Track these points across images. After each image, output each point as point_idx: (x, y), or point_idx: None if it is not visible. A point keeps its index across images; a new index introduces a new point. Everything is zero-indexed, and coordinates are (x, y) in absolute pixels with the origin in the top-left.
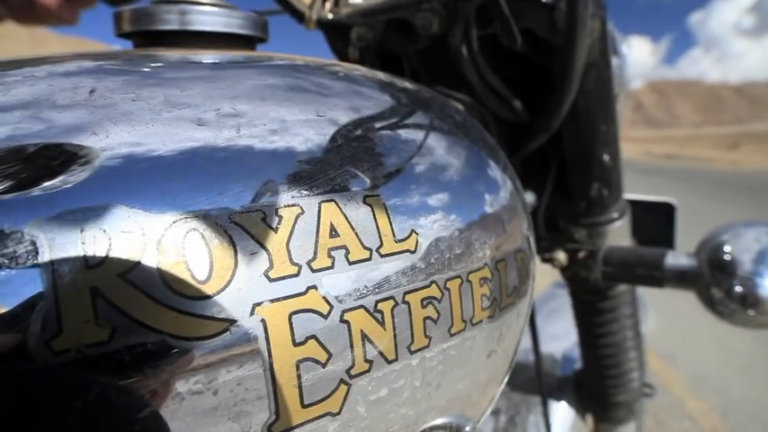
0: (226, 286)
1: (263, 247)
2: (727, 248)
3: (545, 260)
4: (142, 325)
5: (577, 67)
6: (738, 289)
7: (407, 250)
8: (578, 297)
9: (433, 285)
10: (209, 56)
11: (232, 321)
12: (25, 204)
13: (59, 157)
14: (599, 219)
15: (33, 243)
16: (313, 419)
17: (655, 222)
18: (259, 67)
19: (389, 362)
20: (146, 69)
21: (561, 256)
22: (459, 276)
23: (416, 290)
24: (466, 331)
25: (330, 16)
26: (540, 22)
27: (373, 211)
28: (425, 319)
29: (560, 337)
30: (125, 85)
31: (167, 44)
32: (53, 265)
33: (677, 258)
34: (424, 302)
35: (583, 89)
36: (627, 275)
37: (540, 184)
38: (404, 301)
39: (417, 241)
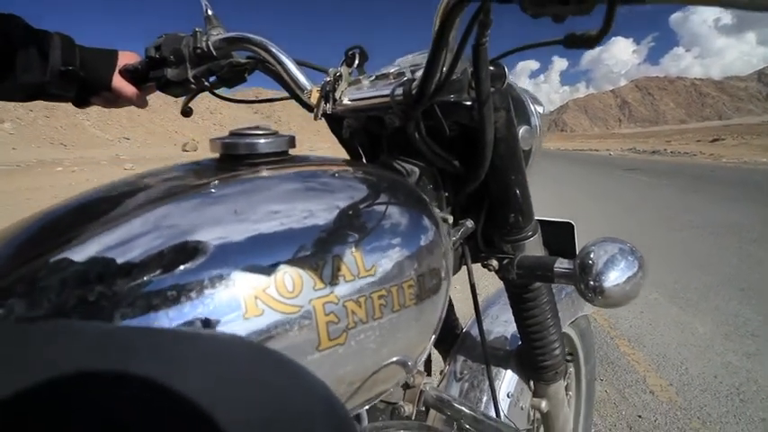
0: (299, 293)
1: (309, 275)
2: (590, 256)
3: (484, 266)
4: (270, 307)
5: (488, 142)
6: (592, 283)
7: (371, 274)
8: (510, 291)
9: (383, 289)
10: (267, 172)
11: (301, 306)
12: (219, 263)
13: (234, 243)
14: (517, 237)
15: (234, 278)
16: (333, 346)
17: (561, 236)
18: (291, 178)
19: (364, 323)
20: (244, 187)
21: (494, 263)
22: (396, 285)
23: (375, 292)
24: (401, 310)
25: (330, 111)
26: (463, 117)
27: (355, 257)
28: (380, 305)
29: (510, 322)
30: (247, 202)
31: (241, 159)
32: (240, 287)
33: (562, 264)
34: (379, 297)
35: (497, 153)
36: (530, 276)
37: (478, 214)
38: (369, 297)
39: (376, 270)
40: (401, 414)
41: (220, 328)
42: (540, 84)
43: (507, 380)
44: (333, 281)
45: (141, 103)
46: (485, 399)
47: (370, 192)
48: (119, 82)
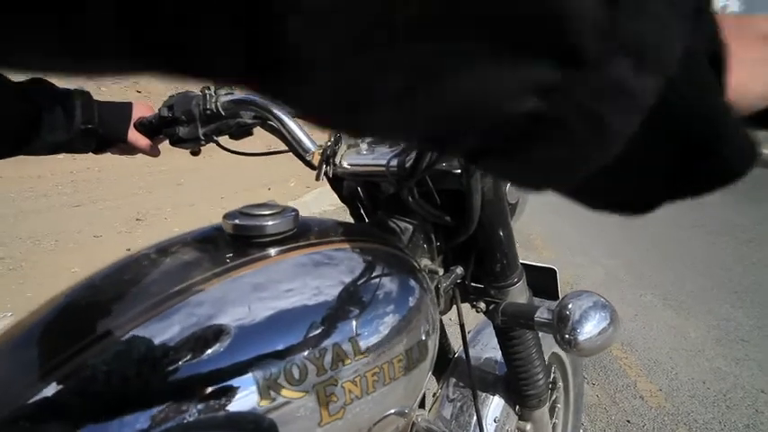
0: (305, 380)
1: (314, 364)
2: (568, 308)
3: (473, 306)
4: (280, 395)
5: (476, 208)
6: (567, 336)
7: (365, 356)
8: (497, 329)
9: (376, 367)
10: (276, 254)
11: (307, 391)
12: (238, 357)
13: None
14: (503, 283)
15: (251, 371)
16: (333, 421)
17: (545, 280)
18: (297, 264)
19: (359, 398)
20: (257, 278)
21: (482, 305)
22: (387, 361)
23: (369, 370)
24: (392, 381)
25: (331, 173)
26: (453, 183)
27: (352, 343)
28: (373, 381)
29: (498, 347)
30: (259, 295)
31: (251, 237)
32: (255, 379)
33: (543, 313)
34: (372, 373)
35: (484, 213)
36: (513, 322)
37: (467, 261)
38: (364, 376)
39: (369, 351)
40: None
41: (239, 413)
42: None
43: (494, 405)
44: (333, 366)
45: (154, 152)
46: (473, 422)
47: (365, 272)
48: (133, 135)
